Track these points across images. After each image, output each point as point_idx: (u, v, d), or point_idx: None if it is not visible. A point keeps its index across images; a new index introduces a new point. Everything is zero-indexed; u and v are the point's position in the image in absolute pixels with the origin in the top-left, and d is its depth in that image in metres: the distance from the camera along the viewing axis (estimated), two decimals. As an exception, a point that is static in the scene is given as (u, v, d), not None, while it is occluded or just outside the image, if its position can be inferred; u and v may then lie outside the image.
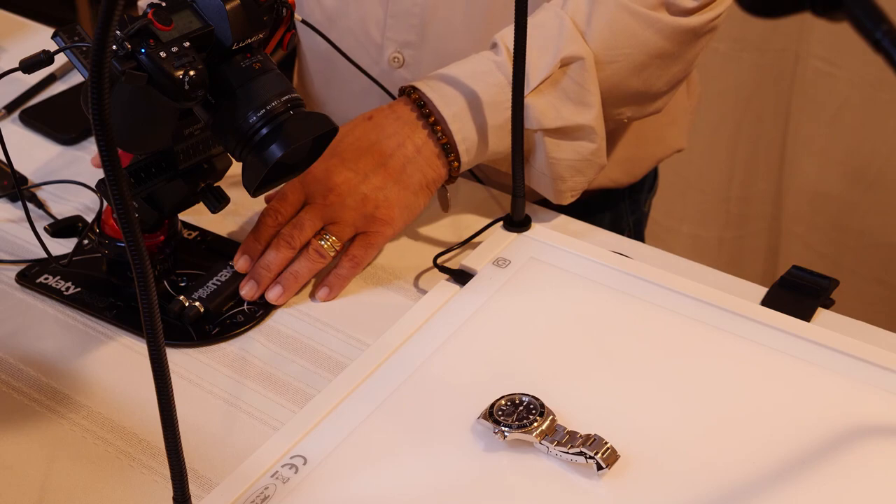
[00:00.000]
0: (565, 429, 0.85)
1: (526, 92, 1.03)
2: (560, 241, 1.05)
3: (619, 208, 1.32)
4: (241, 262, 1.02)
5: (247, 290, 1.02)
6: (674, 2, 1.06)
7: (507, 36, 1.05)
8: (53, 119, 1.26)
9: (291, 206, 1.03)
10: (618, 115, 1.11)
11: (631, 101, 1.11)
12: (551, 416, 0.86)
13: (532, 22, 1.05)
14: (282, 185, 1.03)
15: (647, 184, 1.36)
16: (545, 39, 1.04)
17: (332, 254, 1.02)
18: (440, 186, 1.07)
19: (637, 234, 1.38)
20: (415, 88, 1.05)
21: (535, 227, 1.07)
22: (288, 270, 1.02)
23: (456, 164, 1.05)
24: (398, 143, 1.04)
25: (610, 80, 1.06)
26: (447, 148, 1.04)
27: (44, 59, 0.88)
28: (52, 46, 0.90)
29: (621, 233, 1.14)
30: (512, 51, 1.02)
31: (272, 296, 1.01)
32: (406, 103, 1.05)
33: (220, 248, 1.07)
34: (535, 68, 1.04)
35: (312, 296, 1.03)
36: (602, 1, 1.05)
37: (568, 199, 1.10)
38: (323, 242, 1.02)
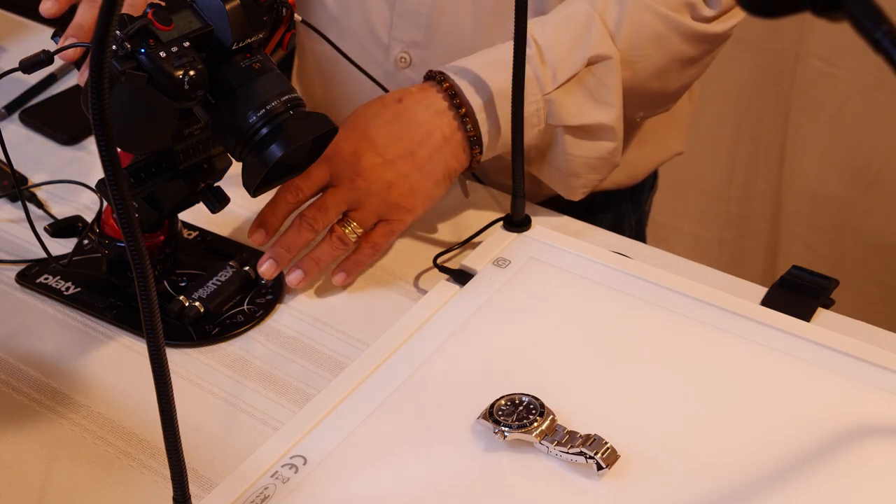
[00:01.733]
0: (565, 429, 0.85)
1: (552, 87, 1.03)
2: (560, 241, 1.05)
3: (621, 208, 1.33)
4: (257, 236, 1.01)
5: (266, 268, 1.00)
6: (696, 8, 1.07)
7: (535, 28, 1.04)
8: (53, 119, 1.26)
9: (315, 183, 1.02)
10: (632, 114, 1.11)
11: (648, 101, 1.12)
12: (551, 416, 0.86)
13: (563, 13, 1.05)
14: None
15: (647, 183, 1.36)
16: (574, 36, 1.04)
17: (354, 240, 1.02)
18: (460, 175, 1.07)
19: (639, 232, 1.38)
20: (445, 77, 1.04)
21: (535, 227, 1.07)
22: (309, 255, 1.01)
23: (479, 155, 1.05)
24: (427, 132, 1.03)
25: (632, 81, 1.07)
26: (473, 140, 1.04)
27: (44, 59, 0.87)
28: (52, 46, 0.90)
29: (623, 233, 1.14)
30: (541, 44, 1.03)
31: (292, 279, 1.01)
32: (438, 91, 1.04)
33: (220, 248, 1.07)
34: (564, 64, 1.04)
35: (321, 291, 1.03)
36: (629, 0, 1.05)
37: (579, 196, 1.10)
38: (346, 229, 1.02)
